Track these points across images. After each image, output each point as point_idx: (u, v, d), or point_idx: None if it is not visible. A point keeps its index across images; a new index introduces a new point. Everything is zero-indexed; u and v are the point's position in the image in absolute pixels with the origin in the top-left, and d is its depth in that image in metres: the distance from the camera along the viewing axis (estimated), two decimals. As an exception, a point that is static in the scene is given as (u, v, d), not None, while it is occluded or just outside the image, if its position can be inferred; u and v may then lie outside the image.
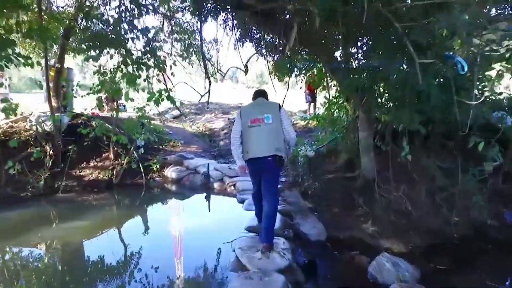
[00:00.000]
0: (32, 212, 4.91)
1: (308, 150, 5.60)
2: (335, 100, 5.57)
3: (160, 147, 7.39)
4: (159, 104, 5.06)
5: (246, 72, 5.27)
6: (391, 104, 3.96)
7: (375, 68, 3.71)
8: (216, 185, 5.74)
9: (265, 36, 6.76)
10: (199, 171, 6.17)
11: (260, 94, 3.56)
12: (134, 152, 6.50)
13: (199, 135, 8.88)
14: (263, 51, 7.52)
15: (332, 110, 5.63)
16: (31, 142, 5.82)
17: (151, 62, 4.95)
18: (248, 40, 7.16)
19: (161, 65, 4.81)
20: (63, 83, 6.78)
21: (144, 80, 4.94)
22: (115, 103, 11.42)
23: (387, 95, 3.65)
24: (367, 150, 4.79)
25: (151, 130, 7.99)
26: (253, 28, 6.01)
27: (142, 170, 6.30)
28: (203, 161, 6.67)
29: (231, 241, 3.36)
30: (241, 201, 4.66)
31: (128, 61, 4.83)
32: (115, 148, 6.42)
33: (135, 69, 4.81)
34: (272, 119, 3.18)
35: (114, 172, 6.12)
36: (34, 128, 5.95)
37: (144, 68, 4.88)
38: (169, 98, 4.90)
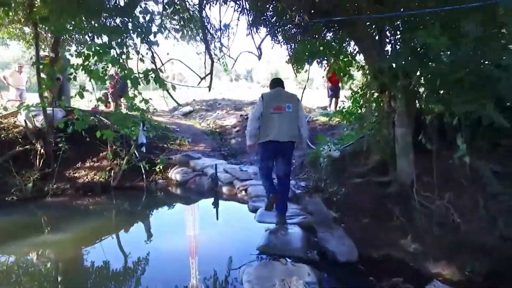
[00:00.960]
0: (17, 218, 4.43)
1: (332, 149, 4.88)
2: (363, 90, 4.81)
3: (165, 145, 6.81)
4: (136, 86, 4.03)
5: (259, 57, 4.58)
6: (444, 91, 3.19)
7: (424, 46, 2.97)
8: (225, 189, 5.09)
9: (282, 19, 6.08)
10: (206, 172, 5.55)
11: (279, 83, 3.89)
12: (135, 152, 5.94)
13: (209, 133, 8.27)
14: (279, 37, 6.84)
15: (361, 103, 4.87)
16: (20, 139, 5.33)
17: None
18: (262, 25, 6.50)
19: (143, 31, 3.78)
20: (58, 74, 6.28)
21: (118, 56, 3.82)
22: (122, 99, 11.03)
23: (440, 79, 2.89)
24: (405, 149, 4.05)
25: (155, 126, 7.43)
26: (269, 6, 5.34)
27: (143, 171, 5.73)
28: (212, 161, 6.04)
29: (239, 268, 2.70)
30: (253, 210, 4.00)
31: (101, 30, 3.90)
32: (114, 147, 5.87)
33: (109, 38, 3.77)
34: (292, 109, 3.62)
35: (112, 174, 5.56)
36: (25, 123, 5.47)
37: (120, 38, 3.80)
38: (157, 80, 3.93)
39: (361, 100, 4.88)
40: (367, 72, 5.03)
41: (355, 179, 4.59)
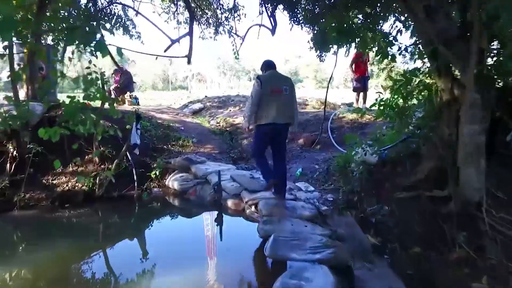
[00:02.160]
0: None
1: (368, 153, 3.83)
2: (407, 76, 3.71)
3: (165, 146, 5.94)
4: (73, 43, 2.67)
5: (273, 30, 3.65)
6: None
7: None
8: (230, 202, 4.12)
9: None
10: (210, 180, 4.62)
11: (273, 65, 3.98)
12: (128, 154, 5.09)
13: (218, 132, 7.36)
14: (299, 17, 5.84)
15: (404, 93, 3.78)
16: (-13, 139, 4.58)
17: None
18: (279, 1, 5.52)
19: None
20: (41, 64, 5.53)
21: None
22: (126, 95, 10.31)
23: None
24: (475, 154, 3.00)
25: (156, 125, 6.59)
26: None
27: (135, 177, 4.87)
28: (218, 166, 5.11)
29: None
30: (264, 235, 3.02)
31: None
32: (101, 148, 5.05)
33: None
34: (288, 91, 3.79)
35: (97, 181, 4.72)
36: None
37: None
38: (100, 46, 2.47)
39: (406, 89, 3.79)
40: (418, 51, 3.96)
41: (400, 192, 3.55)
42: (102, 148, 5.10)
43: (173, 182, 4.91)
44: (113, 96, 9.91)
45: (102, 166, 4.99)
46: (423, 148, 3.52)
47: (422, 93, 3.80)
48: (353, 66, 7.83)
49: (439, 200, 3.35)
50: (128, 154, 5.14)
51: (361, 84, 7.86)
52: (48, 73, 5.65)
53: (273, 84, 3.73)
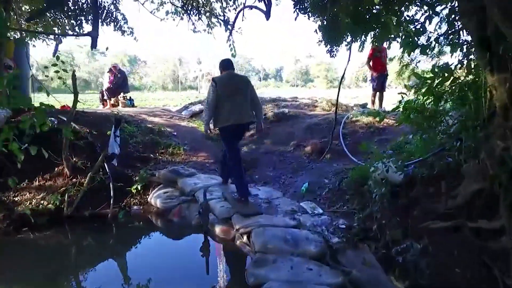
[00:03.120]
0: None
1: (391, 169, 3.06)
2: (439, 72, 2.91)
3: (152, 155, 5.26)
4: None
5: (267, 14, 2.95)
6: None
7: None
8: (218, 229, 3.37)
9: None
10: (197, 198, 3.92)
11: (229, 65, 4.01)
12: (105, 165, 4.43)
13: (215, 138, 6.66)
14: (305, 4, 5.09)
15: (436, 93, 3.00)
16: None
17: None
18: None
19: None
20: (7, 61, 4.91)
21: None
22: (120, 96, 9.71)
23: None
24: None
25: (143, 130, 5.92)
26: None
27: (112, 193, 4.21)
28: (208, 179, 4.40)
29: None
30: (255, 285, 2.28)
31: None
32: (74, 159, 4.40)
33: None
34: (246, 91, 3.87)
35: (66, 197, 4.07)
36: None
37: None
38: None
39: (439, 89, 3.01)
40: (452, 42, 3.19)
41: (433, 222, 2.78)
42: (74, 159, 4.46)
43: (155, 199, 4.22)
44: (105, 97, 9.34)
45: (74, 180, 4.34)
46: (466, 165, 2.73)
47: (459, 94, 3.01)
48: (370, 63, 7.04)
49: (487, 233, 2.58)
50: (105, 164, 4.48)
51: (379, 83, 7.06)
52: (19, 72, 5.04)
53: (228, 85, 3.80)
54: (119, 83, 9.29)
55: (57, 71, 3.74)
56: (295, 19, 4.80)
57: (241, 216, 3.29)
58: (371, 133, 5.58)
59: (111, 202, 4.17)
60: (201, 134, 6.81)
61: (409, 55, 3.75)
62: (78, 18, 7.89)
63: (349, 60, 4.93)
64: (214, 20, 6.58)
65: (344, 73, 5.13)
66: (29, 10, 6.93)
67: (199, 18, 6.42)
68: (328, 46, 5.48)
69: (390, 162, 3.16)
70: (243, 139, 4.25)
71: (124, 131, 5.48)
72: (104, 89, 9.43)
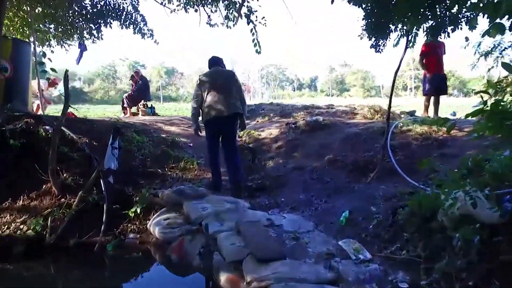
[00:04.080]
0: None
1: (479, 202, 2.02)
2: None
3: (160, 170, 4.52)
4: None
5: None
6: None
7: None
8: (224, 277, 2.47)
9: None
10: (205, 227, 3.06)
11: (217, 62, 4.17)
12: (102, 182, 3.73)
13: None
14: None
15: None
16: None
17: None
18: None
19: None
20: (2, 62, 4.41)
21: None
22: (140, 104, 9.21)
23: None
24: None
25: (154, 140, 5.23)
26: None
27: (104, 217, 3.48)
28: (223, 202, 3.55)
29: None
30: None
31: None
32: (65, 174, 3.75)
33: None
34: (228, 84, 3.97)
35: (49, 221, 3.39)
36: None
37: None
38: None
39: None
40: None
41: None
42: (65, 174, 3.81)
43: (154, 226, 3.42)
44: (125, 105, 8.89)
45: (63, 200, 3.67)
46: None
47: None
48: (424, 61, 5.94)
49: None
50: (102, 181, 3.78)
51: (434, 86, 5.92)
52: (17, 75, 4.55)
53: (211, 79, 3.96)
54: (140, 90, 8.81)
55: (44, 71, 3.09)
56: (332, 2, 3.91)
57: (256, 262, 2.38)
58: (428, 146, 4.47)
59: (102, 229, 3.43)
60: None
61: (494, 36, 2.74)
62: (97, 21, 7.53)
63: (405, 50, 3.96)
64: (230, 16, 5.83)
65: (399, 66, 4.13)
66: (41, 11, 6.61)
67: (215, 9, 5.70)
68: (373, 39, 4.55)
69: (478, 192, 2.11)
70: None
71: (131, 141, 4.81)
72: (124, 96, 9.00)
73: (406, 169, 3.86)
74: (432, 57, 5.87)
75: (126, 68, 58.00)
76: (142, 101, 8.83)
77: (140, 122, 6.22)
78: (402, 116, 6.87)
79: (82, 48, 8.50)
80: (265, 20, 5.56)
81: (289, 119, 7.06)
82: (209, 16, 5.87)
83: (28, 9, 6.13)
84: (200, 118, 4.17)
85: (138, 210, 3.70)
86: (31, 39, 6.41)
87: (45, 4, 6.64)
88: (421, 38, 5.09)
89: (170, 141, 5.41)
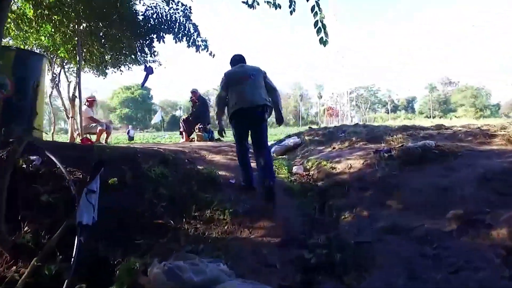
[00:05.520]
0: None
1: None
2: None
3: (172, 221, 3.08)
4: None
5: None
6: None
7: None
8: None
9: None
10: None
11: (241, 60, 4.19)
12: (79, 240, 2.45)
13: (297, 189, 4.12)
14: None
15: None
16: None
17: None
18: None
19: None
20: (5, 80, 3.62)
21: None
22: (196, 128, 8.17)
23: None
24: None
25: (186, 173, 3.88)
26: None
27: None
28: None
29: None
30: None
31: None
32: (25, 229, 2.58)
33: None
34: (256, 76, 3.87)
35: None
36: None
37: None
38: None
39: None
40: None
41: None
42: (25, 228, 2.63)
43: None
44: (181, 129, 7.98)
45: (14, 268, 2.46)
46: None
47: None
48: None
49: None
50: (80, 240, 2.50)
51: None
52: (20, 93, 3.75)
53: (236, 73, 3.94)
54: (198, 112, 7.84)
55: None
56: None
57: None
58: None
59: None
60: (278, 182, 4.37)
61: None
62: (148, 37, 6.85)
63: None
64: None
65: None
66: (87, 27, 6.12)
67: None
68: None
69: None
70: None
71: (146, 176, 3.54)
72: (181, 120, 8.14)
73: None
74: None
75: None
76: (199, 125, 7.80)
77: (178, 148, 5.02)
78: None
79: (149, 70, 8.02)
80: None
81: (379, 144, 5.08)
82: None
83: (72, 24, 5.63)
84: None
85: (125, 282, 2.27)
86: (77, 58, 5.90)
87: (94, 22, 6.15)
88: None
89: (205, 175, 4.01)
